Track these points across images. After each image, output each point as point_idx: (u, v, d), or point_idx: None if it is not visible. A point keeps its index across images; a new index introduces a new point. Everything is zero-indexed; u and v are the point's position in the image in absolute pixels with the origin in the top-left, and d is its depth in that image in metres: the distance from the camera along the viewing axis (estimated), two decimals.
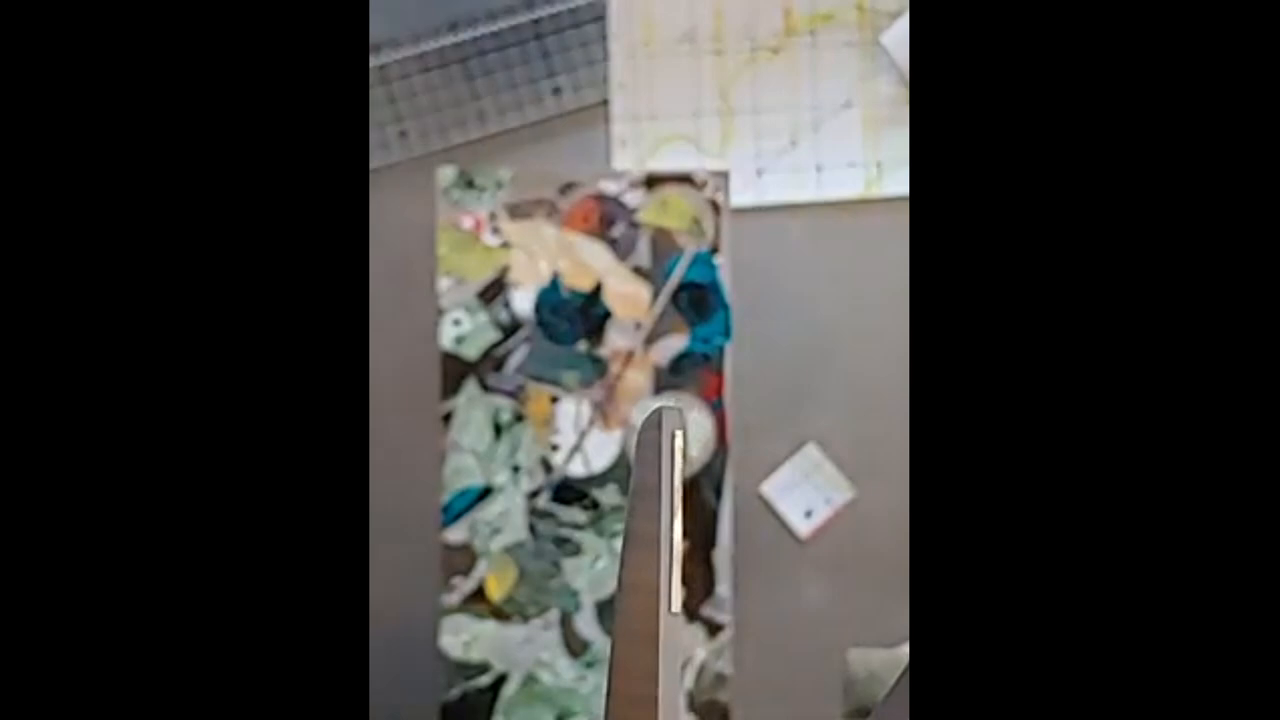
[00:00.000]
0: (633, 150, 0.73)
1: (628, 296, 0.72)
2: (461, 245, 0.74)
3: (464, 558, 0.75)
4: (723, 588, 0.73)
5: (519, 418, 0.74)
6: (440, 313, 0.75)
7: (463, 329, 0.74)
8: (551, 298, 0.74)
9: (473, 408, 0.74)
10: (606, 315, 0.73)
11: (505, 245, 0.74)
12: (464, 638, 0.75)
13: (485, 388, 0.74)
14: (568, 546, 0.74)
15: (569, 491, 0.74)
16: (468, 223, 0.74)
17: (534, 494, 0.74)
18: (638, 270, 0.73)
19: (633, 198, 0.73)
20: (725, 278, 0.72)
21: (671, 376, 0.72)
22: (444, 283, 0.75)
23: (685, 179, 0.72)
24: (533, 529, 0.74)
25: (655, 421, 0.22)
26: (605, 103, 0.74)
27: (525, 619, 0.75)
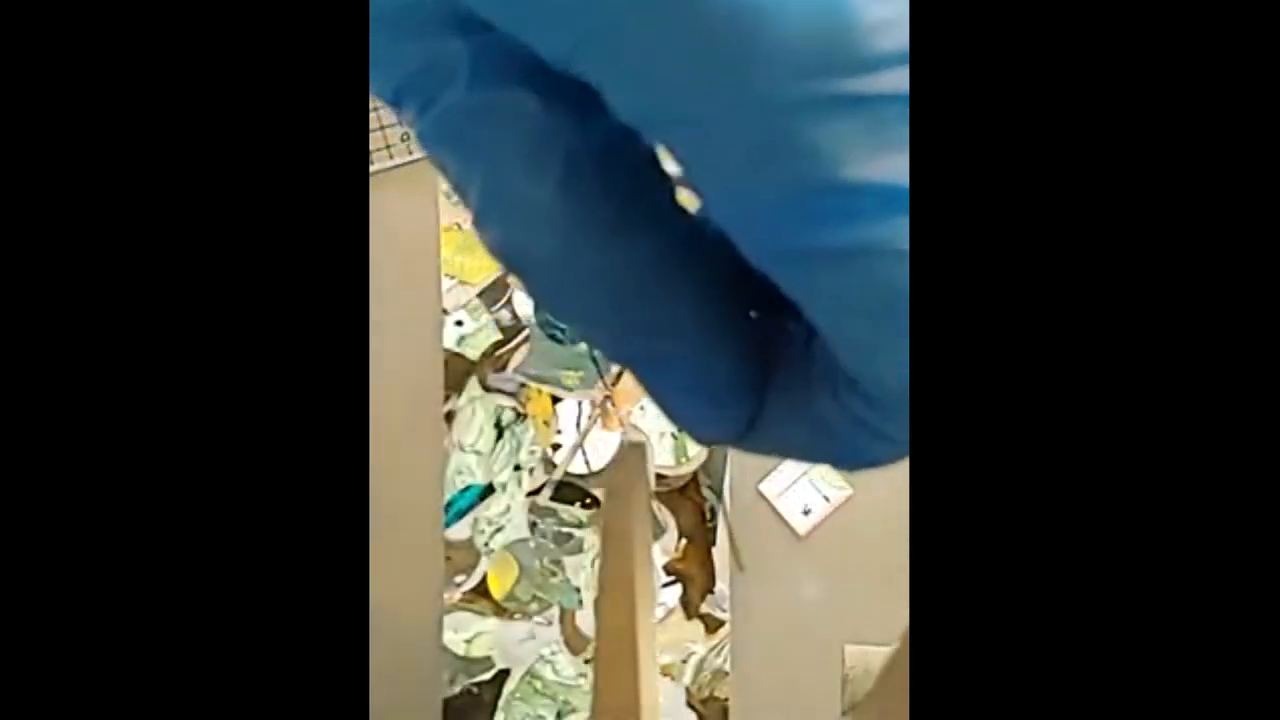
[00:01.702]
0: None
1: None
2: (464, 247, 0.75)
3: (466, 555, 0.76)
4: (722, 584, 0.74)
5: (520, 417, 0.75)
6: (443, 313, 0.75)
7: (465, 329, 0.75)
8: None
9: (475, 407, 0.75)
10: None
11: None
12: (466, 634, 0.76)
13: (487, 388, 0.75)
14: (569, 544, 0.75)
15: (570, 489, 0.75)
16: (470, 224, 0.75)
17: (535, 492, 0.75)
18: None
19: None
20: None
21: None
22: (446, 284, 0.75)
23: (686, 180, 0.73)
24: (534, 526, 0.75)
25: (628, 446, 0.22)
26: None
27: (527, 616, 0.76)
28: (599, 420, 0.73)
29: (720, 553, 0.75)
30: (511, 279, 0.76)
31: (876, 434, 0.18)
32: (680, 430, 0.21)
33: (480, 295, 0.76)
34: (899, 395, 0.16)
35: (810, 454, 0.19)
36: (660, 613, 0.75)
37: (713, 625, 0.75)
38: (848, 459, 0.18)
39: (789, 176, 0.15)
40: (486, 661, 0.76)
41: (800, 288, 0.16)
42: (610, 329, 0.18)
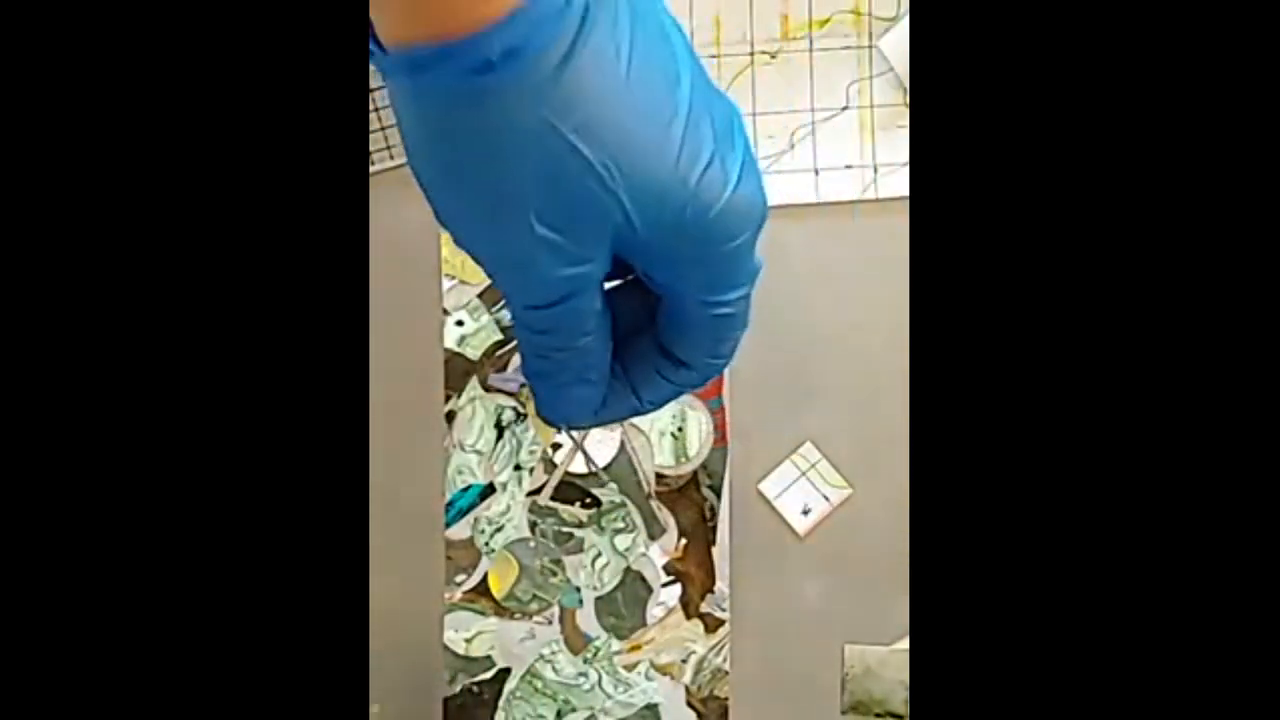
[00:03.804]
0: None
1: None
2: None
3: (466, 554, 0.76)
4: (721, 584, 0.74)
5: (521, 417, 0.75)
6: (444, 313, 0.76)
7: (466, 329, 0.75)
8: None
9: (475, 407, 0.75)
10: None
11: None
12: (466, 633, 0.76)
13: (487, 388, 0.75)
14: (569, 544, 0.75)
15: (570, 489, 0.75)
16: None
17: (535, 491, 0.75)
18: None
19: None
20: None
21: None
22: (446, 284, 0.75)
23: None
24: (534, 526, 0.75)
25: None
26: None
27: (527, 615, 0.76)
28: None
29: (720, 552, 0.75)
30: None
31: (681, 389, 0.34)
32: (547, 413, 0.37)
33: (480, 295, 0.76)
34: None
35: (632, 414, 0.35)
36: (660, 612, 0.75)
37: (712, 624, 0.75)
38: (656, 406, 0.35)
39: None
40: (487, 660, 0.76)
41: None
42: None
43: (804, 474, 0.73)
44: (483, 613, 0.76)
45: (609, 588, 0.75)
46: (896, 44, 0.68)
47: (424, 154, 0.24)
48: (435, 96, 0.23)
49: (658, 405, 0.34)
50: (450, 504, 0.76)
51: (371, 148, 0.74)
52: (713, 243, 0.27)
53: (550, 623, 0.76)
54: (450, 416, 0.76)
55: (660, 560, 0.75)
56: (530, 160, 0.24)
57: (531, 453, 0.75)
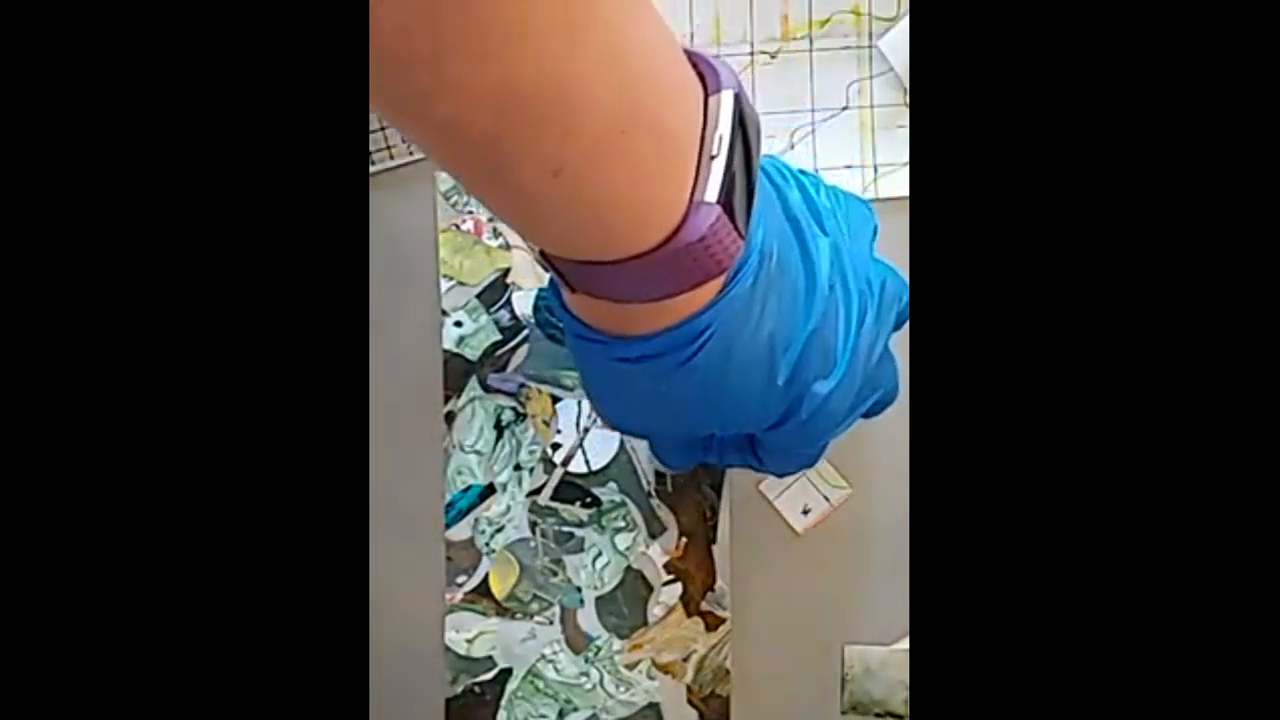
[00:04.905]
0: None
1: None
2: (463, 248, 0.75)
3: (467, 555, 0.76)
4: (722, 582, 0.74)
5: (521, 417, 0.75)
6: (442, 314, 0.76)
7: (464, 330, 0.75)
8: (551, 299, 0.75)
9: (475, 407, 0.75)
10: None
11: (505, 247, 0.75)
12: (467, 634, 0.76)
13: (487, 388, 0.75)
14: (569, 544, 0.75)
15: (570, 489, 0.75)
16: (468, 225, 0.75)
17: (535, 491, 0.75)
18: None
19: None
20: None
21: None
22: (445, 284, 0.75)
23: None
24: (534, 526, 0.75)
25: None
26: None
27: (528, 615, 0.76)
28: (599, 420, 0.73)
29: (721, 551, 0.75)
30: (511, 279, 0.76)
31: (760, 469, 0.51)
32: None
33: (479, 296, 0.76)
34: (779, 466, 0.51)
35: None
36: (661, 611, 0.75)
37: (713, 623, 0.75)
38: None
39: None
40: (488, 661, 0.76)
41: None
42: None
43: (804, 474, 0.73)
44: (484, 613, 0.76)
45: (609, 587, 0.75)
46: (896, 44, 0.68)
47: (579, 365, 0.37)
48: (589, 352, 0.35)
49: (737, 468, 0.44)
50: (450, 505, 0.76)
51: (371, 148, 0.74)
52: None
53: (551, 623, 0.76)
54: (450, 417, 0.76)
55: (661, 559, 0.75)
56: (645, 403, 0.34)
57: (531, 453, 0.75)
